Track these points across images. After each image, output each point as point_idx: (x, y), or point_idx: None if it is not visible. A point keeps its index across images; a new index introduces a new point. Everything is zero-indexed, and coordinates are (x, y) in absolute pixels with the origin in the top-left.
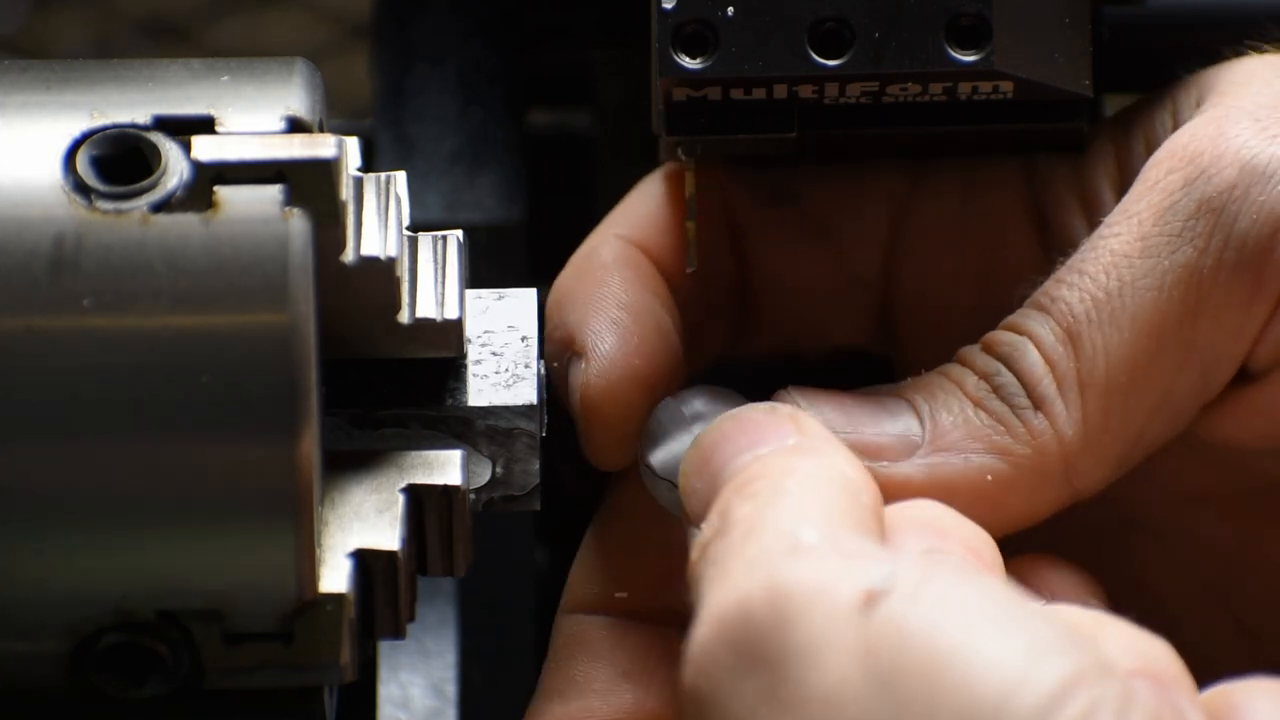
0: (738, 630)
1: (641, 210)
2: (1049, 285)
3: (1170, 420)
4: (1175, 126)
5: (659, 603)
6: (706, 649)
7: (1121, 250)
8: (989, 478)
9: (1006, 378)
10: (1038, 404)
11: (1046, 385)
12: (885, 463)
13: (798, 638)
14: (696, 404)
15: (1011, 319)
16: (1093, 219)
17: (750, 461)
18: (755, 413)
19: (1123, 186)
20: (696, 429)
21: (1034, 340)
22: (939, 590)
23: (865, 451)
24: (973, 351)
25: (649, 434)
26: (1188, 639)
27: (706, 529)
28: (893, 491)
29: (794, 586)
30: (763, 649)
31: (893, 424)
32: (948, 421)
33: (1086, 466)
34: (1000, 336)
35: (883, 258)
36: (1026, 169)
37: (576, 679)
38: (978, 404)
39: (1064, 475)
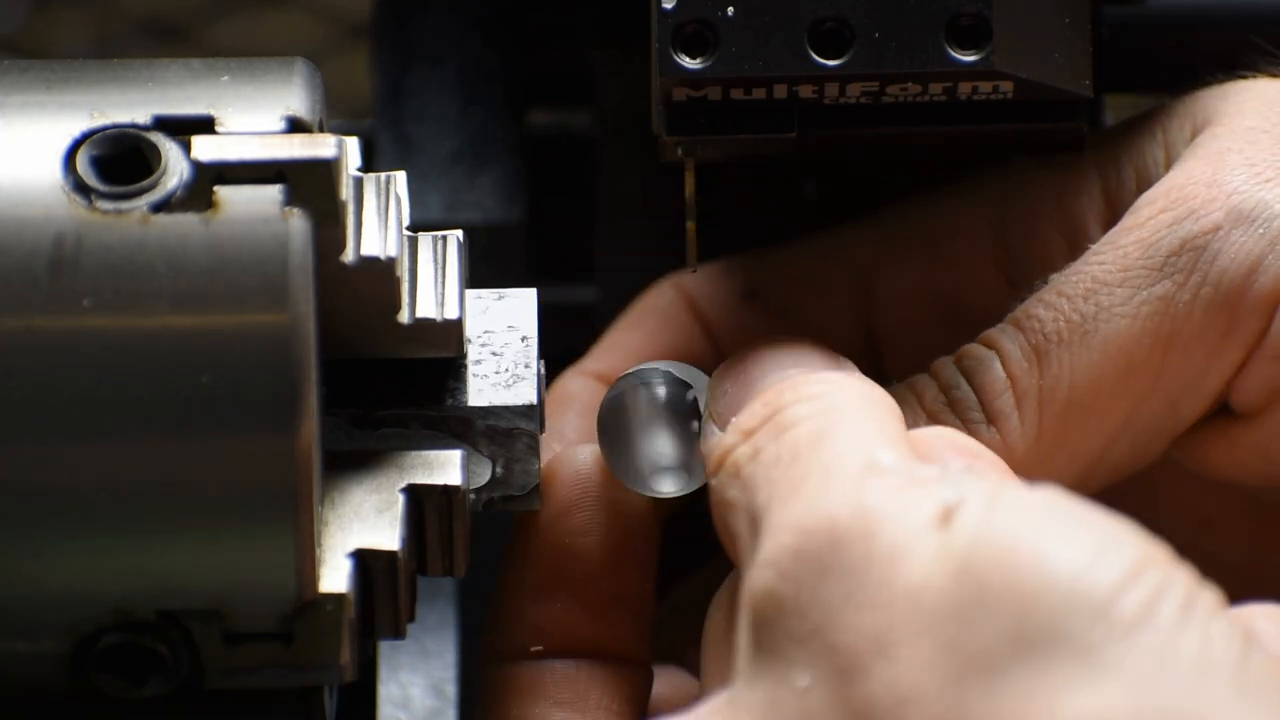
0: (822, 540)
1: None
2: (1028, 303)
3: (1135, 447)
4: (1168, 160)
5: (577, 639)
6: (788, 556)
7: (1102, 277)
8: None
9: (964, 391)
10: (992, 418)
11: (1004, 400)
12: None
13: (881, 546)
14: (659, 386)
15: (987, 333)
16: (1078, 255)
17: (795, 374)
18: (796, 339)
19: (1110, 222)
20: (668, 412)
21: (1001, 355)
22: (1010, 500)
23: None
24: (944, 363)
25: (620, 416)
26: None
27: (747, 418)
28: None
29: (877, 503)
30: (846, 557)
31: None
32: None
33: (1039, 482)
34: (971, 349)
35: (857, 322)
36: (997, 213)
37: (511, 717)
38: (931, 417)
39: None
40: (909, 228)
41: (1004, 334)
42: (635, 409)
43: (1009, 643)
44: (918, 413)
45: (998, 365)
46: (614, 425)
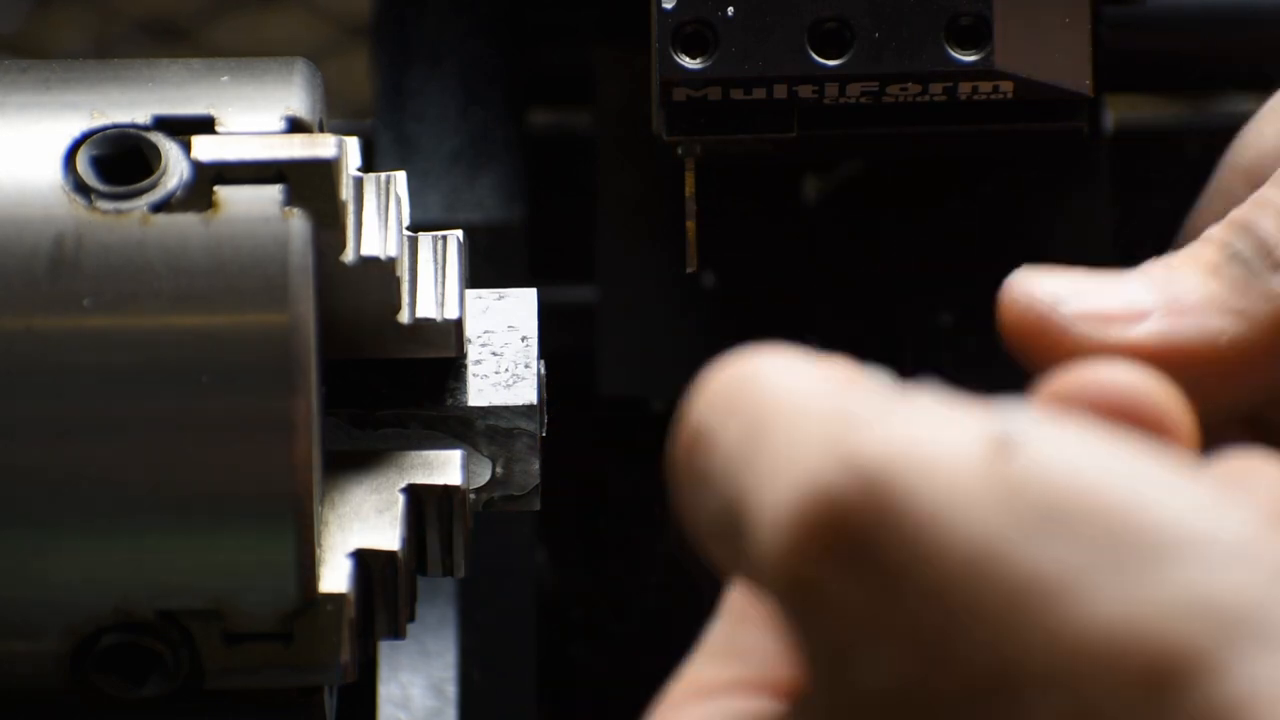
0: (828, 535)
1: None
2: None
3: None
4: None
5: None
6: (794, 553)
7: None
8: (1225, 340)
9: (1243, 244)
10: (1277, 265)
11: None
12: (1116, 329)
13: (916, 519)
14: None
15: (1254, 196)
16: None
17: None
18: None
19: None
20: None
21: (1273, 207)
22: (1083, 434)
23: (1093, 319)
24: (1214, 228)
25: None
26: None
27: (679, 450)
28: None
29: (888, 456)
30: (871, 547)
31: (1124, 292)
32: (1183, 289)
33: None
34: (1239, 210)
35: None
36: None
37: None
38: (1214, 270)
39: None
40: None
41: (1268, 191)
42: None
43: None
44: (1199, 270)
45: (1272, 216)
46: None
